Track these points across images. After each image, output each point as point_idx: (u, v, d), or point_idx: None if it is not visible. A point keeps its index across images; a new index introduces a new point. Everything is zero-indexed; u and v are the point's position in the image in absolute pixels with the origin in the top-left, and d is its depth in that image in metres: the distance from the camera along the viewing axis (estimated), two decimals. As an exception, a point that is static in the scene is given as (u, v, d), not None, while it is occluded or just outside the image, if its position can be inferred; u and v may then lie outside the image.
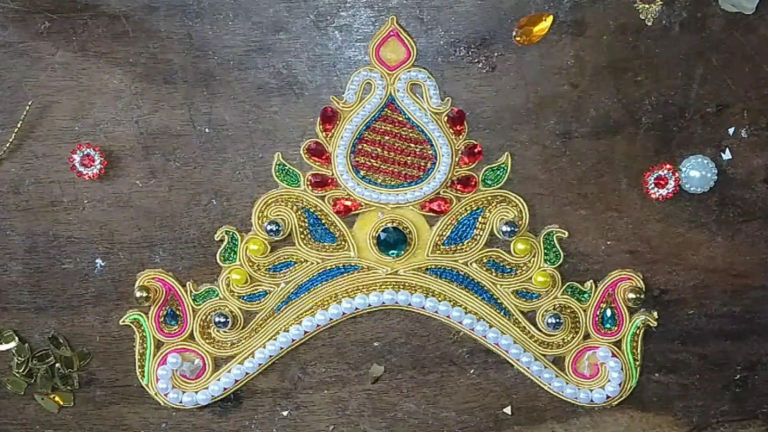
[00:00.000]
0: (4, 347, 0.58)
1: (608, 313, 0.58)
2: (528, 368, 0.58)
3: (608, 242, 0.58)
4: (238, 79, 0.56)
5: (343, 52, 0.56)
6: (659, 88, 0.56)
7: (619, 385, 0.58)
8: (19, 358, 0.58)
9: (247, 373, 0.59)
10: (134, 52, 0.56)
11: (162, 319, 0.58)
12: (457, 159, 0.57)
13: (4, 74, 0.56)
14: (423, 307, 0.58)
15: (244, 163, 0.57)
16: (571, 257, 0.58)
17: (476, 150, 0.56)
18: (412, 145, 0.57)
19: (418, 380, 0.59)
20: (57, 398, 0.59)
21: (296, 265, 0.58)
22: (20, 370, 0.58)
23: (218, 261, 0.58)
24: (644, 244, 0.58)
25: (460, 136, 0.56)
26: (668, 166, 0.55)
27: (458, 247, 0.58)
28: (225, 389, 0.59)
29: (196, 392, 0.58)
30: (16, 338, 0.58)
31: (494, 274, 0.58)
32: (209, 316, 0.58)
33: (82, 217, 0.57)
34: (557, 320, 0.57)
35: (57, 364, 0.58)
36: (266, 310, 0.58)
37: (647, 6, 0.55)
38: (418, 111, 0.56)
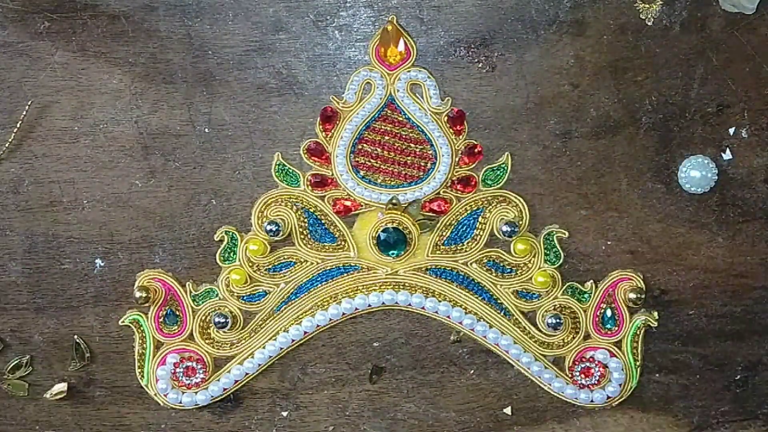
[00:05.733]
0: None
1: (608, 313, 0.58)
2: (528, 368, 0.58)
3: (608, 242, 0.58)
4: (238, 79, 0.56)
5: (343, 52, 0.56)
6: (659, 88, 0.56)
7: (620, 385, 0.58)
8: (9, 362, 0.58)
9: (246, 374, 0.58)
10: (134, 52, 0.56)
11: (161, 319, 0.58)
12: (457, 159, 0.57)
13: (4, 74, 0.56)
14: (423, 308, 0.58)
15: (244, 163, 0.57)
16: (572, 257, 0.58)
17: (476, 150, 0.56)
18: (412, 145, 0.57)
19: (418, 380, 0.59)
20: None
21: (296, 265, 0.58)
22: (13, 374, 0.58)
23: (218, 261, 0.57)
24: (644, 244, 0.58)
25: (460, 136, 0.56)
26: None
27: (458, 247, 0.58)
28: (224, 390, 0.59)
29: (196, 393, 0.58)
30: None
31: (494, 274, 0.58)
32: (209, 317, 0.58)
33: (82, 217, 0.57)
34: (557, 320, 0.57)
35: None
36: (266, 310, 0.58)
37: (648, 6, 0.55)
38: (418, 111, 0.56)
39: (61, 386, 0.58)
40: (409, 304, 0.58)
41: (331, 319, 0.58)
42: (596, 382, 0.58)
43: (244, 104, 0.56)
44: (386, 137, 0.56)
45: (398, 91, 0.56)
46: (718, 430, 0.60)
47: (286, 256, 0.58)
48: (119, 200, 0.57)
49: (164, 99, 0.56)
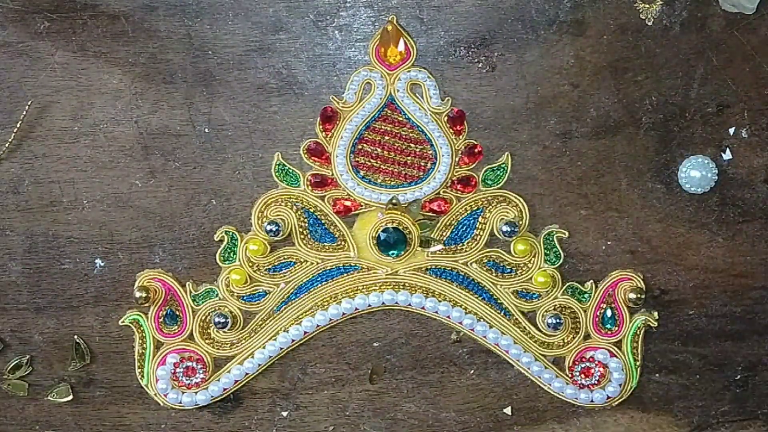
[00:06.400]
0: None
1: (608, 313, 0.58)
2: (528, 369, 0.58)
3: (608, 242, 0.58)
4: (238, 79, 0.56)
5: (343, 52, 0.56)
6: (659, 88, 0.56)
7: (620, 385, 0.58)
8: (9, 362, 0.58)
9: (246, 374, 0.58)
10: (134, 52, 0.56)
11: (161, 319, 0.58)
12: (457, 159, 0.57)
13: (4, 74, 0.56)
14: (423, 308, 0.58)
15: (244, 163, 0.57)
16: (572, 257, 0.58)
17: (476, 150, 0.56)
18: (412, 145, 0.57)
19: (418, 381, 0.59)
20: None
21: (296, 265, 0.58)
22: (13, 374, 0.58)
23: (218, 261, 0.57)
24: (644, 244, 0.58)
25: (460, 136, 0.56)
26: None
27: (458, 247, 0.58)
28: (225, 390, 0.59)
29: (196, 393, 0.58)
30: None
31: (494, 274, 0.58)
32: (209, 317, 0.58)
33: (82, 217, 0.57)
34: (557, 320, 0.57)
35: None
36: (266, 310, 0.58)
37: (648, 6, 0.55)
38: (418, 111, 0.56)
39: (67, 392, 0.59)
40: (409, 304, 0.58)
41: (331, 319, 0.58)
42: (596, 382, 0.58)
43: (244, 104, 0.56)
44: (386, 137, 0.56)
45: (398, 91, 0.56)
46: (718, 430, 0.60)
47: (286, 256, 0.58)
48: (119, 200, 0.57)
49: (164, 99, 0.56)
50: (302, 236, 0.57)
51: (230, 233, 0.57)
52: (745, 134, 0.57)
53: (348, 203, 0.57)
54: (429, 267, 0.58)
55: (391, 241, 0.56)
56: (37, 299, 0.58)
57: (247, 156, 0.57)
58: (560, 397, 0.59)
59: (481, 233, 0.57)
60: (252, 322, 0.58)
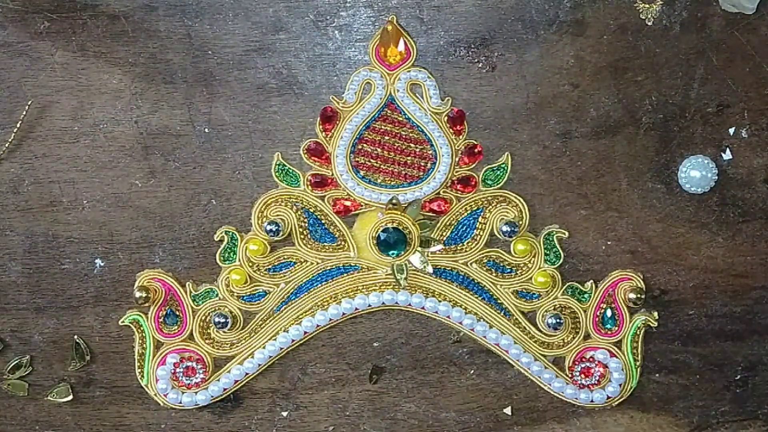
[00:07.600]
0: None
1: (608, 313, 0.58)
2: (528, 369, 0.58)
3: (608, 242, 0.58)
4: (238, 79, 0.56)
5: (343, 52, 0.56)
6: (659, 88, 0.56)
7: (620, 385, 0.58)
8: (9, 362, 0.58)
9: (246, 374, 0.58)
10: (133, 52, 0.56)
11: (161, 319, 0.58)
12: (457, 159, 0.57)
13: (4, 74, 0.56)
14: (423, 308, 0.58)
15: (244, 163, 0.57)
16: (572, 257, 0.58)
17: (476, 150, 0.56)
18: (412, 145, 0.57)
19: (418, 381, 0.59)
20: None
21: (296, 265, 0.58)
22: (13, 374, 0.58)
23: (218, 261, 0.57)
24: (644, 244, 0.58)
25: (460, 136, 0.56)
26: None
27: (458, 247, 0.58)
28: (224, 390, 0.59)
29: (196, 393, 0.58)
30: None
31: (494, 274, 0.58)
32: (209, 317, 0.58)
33: (82, 217, 0.57)
34: (557, 320, 0.57)
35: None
36: (266, 310, 0.58)
37: (648, 6, 0.55)
38: (418, 111, 0.56)
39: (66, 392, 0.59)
40: (409, 304, 0.58)
41: (331, 319, 0.58)
42: (596, 382, 0.58)
43: (244, 104, 0.56)
44: (386, 137, 0.56)
45: (398, 91, 0.56)
46: (718, 430, 0.60)
47: (286, 256, 0.58)
48: (119, 200, 0.57)
49: (164, 99, 0.56)
50: (302, 236, 0.57)
51: (230, 233, 0.57)
52: (745, 134, 0.57)
53: (348, 203, 0.57)
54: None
55: (391, 241, 0.56)
56: (37, 299, 0.58)
57: (247, 156, 0.57)
58: (560, 397, 0.59)
59: (481, 233, 0.57)
60: (252, 322, 0.58)
